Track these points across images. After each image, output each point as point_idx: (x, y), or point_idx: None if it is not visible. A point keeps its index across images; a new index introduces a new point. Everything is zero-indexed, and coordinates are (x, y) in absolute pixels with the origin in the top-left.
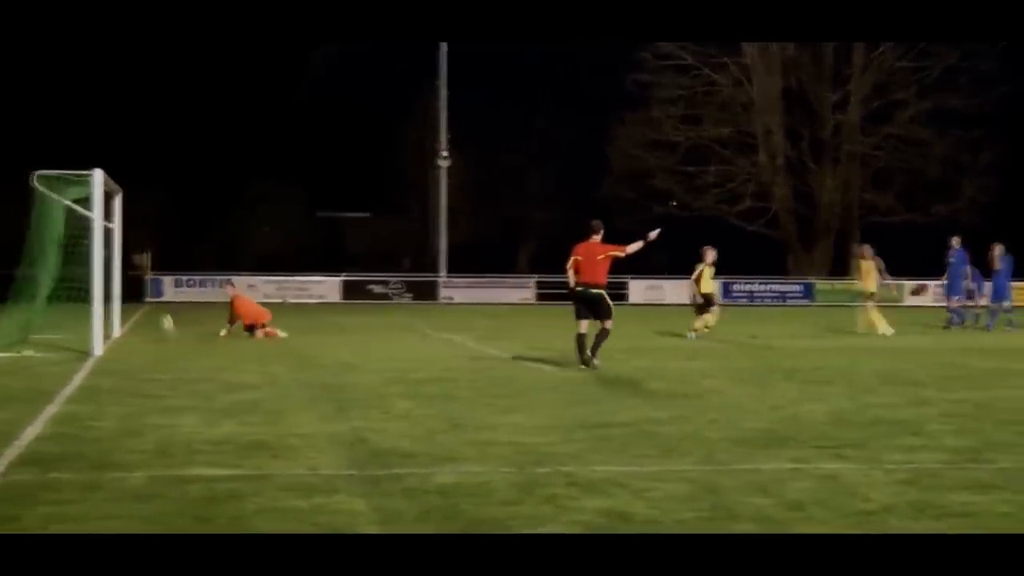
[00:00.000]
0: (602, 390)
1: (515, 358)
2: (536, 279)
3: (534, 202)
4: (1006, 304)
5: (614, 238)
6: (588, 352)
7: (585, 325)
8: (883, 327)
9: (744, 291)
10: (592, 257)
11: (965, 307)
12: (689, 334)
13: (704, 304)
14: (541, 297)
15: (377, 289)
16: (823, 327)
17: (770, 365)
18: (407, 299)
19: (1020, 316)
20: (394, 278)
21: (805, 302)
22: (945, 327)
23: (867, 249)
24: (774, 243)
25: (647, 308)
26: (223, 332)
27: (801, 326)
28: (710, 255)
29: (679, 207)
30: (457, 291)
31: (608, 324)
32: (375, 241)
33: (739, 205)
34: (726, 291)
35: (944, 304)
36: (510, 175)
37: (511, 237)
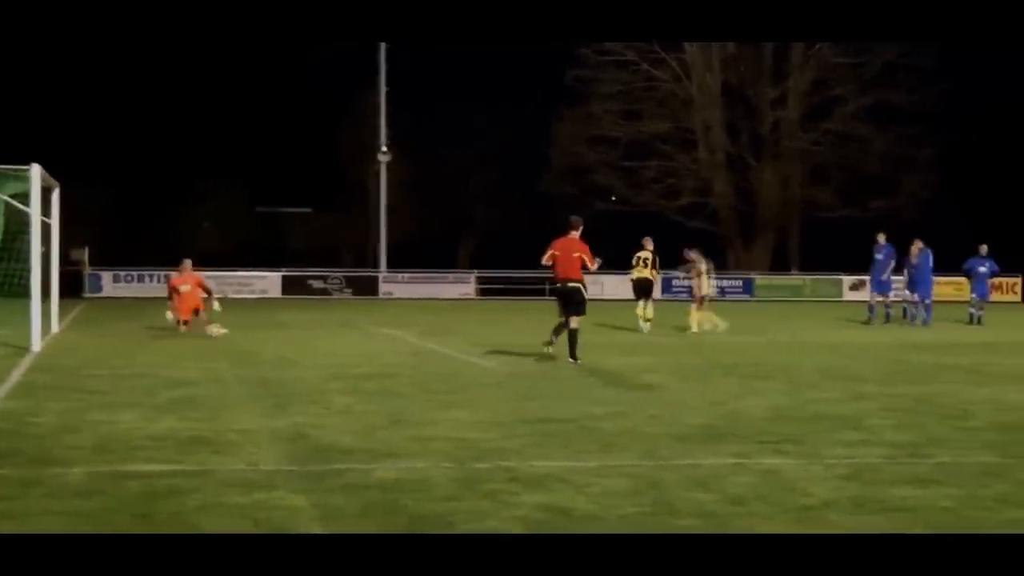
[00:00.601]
0: (542, 386)
1: (456, 354)
2: (476, 274)
3: (475, 198)
4: (915, 297)
5: (553, 233)
6: (554, 338)
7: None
8: (696, 326)
9: (684, 286)
10: (569, 253)
11: (907, 302)
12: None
13: (646, 293)
14: (482, 292)
15: (317, 284)
16: (763, 322)
17: (710, 361)
18: (347, 294)
19: (949, 311)
20: (334, 273)
21: (745, 297)
22: (885, 322)
23: (691, 252)
24: (714, 238)
25: (589, 303)
26: (214, 329)
27: (741, 321)
28: (650, 244)
29: (619, 202)
30: (397, 286)
31: (575, 323)
32: (316, 237)
33: (679, 200)
34: (666, 286)
35: (874, 300)
36: (451, 171)
37: (452, 233)
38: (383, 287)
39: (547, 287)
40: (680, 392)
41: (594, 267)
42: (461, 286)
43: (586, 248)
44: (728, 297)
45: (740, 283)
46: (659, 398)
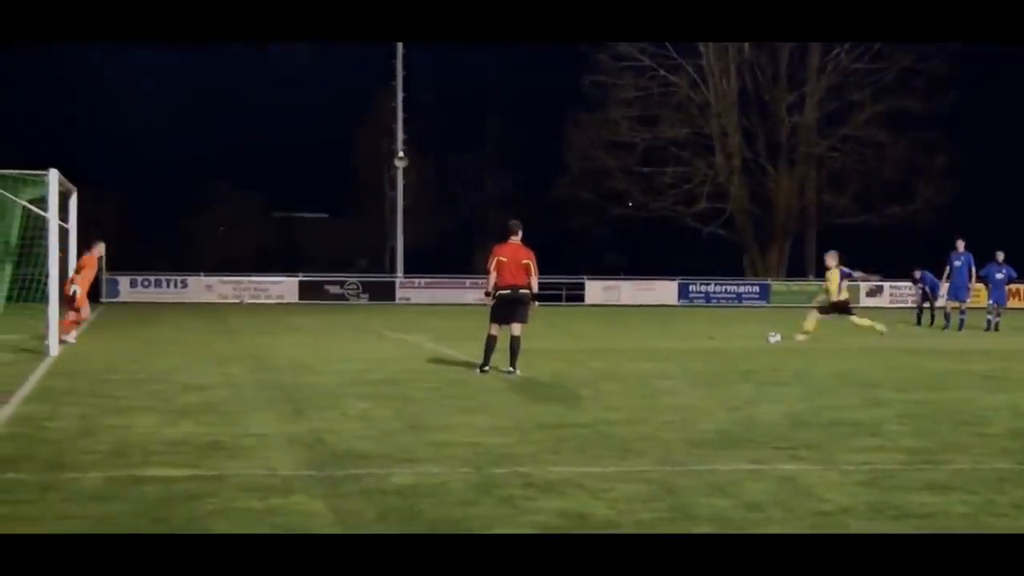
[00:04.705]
0: (559, 391)
1: (473, 359)
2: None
3: (490, 203)
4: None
5: (569, 239)
6: (496, 362)
7: (498, 328)
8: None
9: (701, 292)
10: (517, 260)
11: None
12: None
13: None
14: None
15: (334, 290)
16: (779, 328)
17: (726, 366)
18: (364, 300)
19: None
20: (351, 278)
21: (761, 303)
22: (959, 329)
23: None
24: (730, 244)
25: (604, 308)
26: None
27: (757, 327)
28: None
29: (636, 208)
30: (414, 291)
31: (520, 330)
32: (332, 242)
33: (696, 206)
34: (683, 292)
35: (950, 307)
36: (466, 176)
37: (468, 238)
38: (400, 292)
39: (493, 293)
40: (696, 397)
41: (536, 280)
42: (477, 292)
43: (533, 256)
44: (744, 303)
45: (757, 289)
46: (675, 403)
